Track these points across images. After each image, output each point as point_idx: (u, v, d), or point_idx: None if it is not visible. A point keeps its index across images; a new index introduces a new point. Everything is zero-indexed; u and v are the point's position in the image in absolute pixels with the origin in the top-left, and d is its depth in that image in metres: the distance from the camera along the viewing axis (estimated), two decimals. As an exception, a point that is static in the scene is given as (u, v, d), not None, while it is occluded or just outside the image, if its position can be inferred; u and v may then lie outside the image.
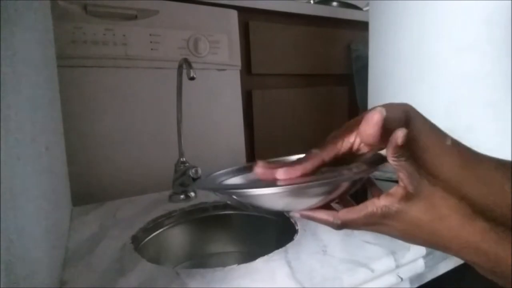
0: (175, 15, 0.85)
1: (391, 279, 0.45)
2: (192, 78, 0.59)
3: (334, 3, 1.27)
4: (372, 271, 0.42)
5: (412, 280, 0.48)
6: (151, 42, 0.82)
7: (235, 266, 0.43)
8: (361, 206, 0.31)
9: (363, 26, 1.09)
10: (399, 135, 0.29)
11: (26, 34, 0.36)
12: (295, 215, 0.34)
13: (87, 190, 0.76)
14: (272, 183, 0.31)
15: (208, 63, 0.90)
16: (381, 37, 1.01)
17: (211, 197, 0.70)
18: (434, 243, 0.30)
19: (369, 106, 1.08)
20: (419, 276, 0.49)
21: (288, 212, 0.35)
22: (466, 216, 0.29)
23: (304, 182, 0.30)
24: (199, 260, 0.67)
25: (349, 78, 1.27)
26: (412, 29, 0.91)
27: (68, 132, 0.66)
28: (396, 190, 0.30)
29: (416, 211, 0.29)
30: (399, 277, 0.45)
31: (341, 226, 0.32)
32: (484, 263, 0.29)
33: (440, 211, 0.29)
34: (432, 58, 0.87)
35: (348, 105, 1.28)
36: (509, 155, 0.73)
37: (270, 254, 0.46)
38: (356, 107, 1.27)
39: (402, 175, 0.30)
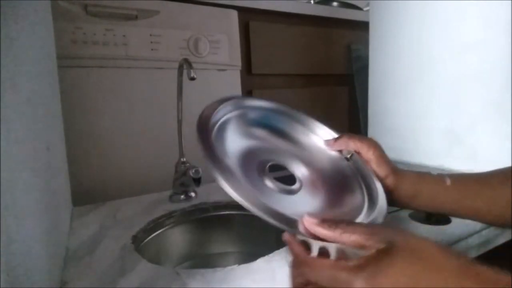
0: (175, 15, 0.85)
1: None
2: (192, 78, 0.59)
3: (334, 3, 1.27)
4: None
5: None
6: (151, 42, 0.82)
7: (235, 266, 0.43)
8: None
9: (364, 26, 1.09)
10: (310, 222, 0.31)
11: (26, 34, 0.36)
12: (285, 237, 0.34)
13: (87, 190, 0.76)
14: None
15: (208, 63, 0.90)
16: (381, 37, 1.01)
17: (212, 197, 0.70)
18: None
19: (369, 106, 1.08)
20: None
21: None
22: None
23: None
24: (200, 260, 0.67)
25: (349, 78, 1.27)
26: (413, 30, 0.91)
27: (68, 132, 0.65)
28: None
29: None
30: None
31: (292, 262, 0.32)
32: None
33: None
34: (432, 58, 0.87)
35: (348, 105, 1.28)
36: (509, 155, 0.73)
37: (271, 254, 0.46)
38: (356, 107, 1.27)
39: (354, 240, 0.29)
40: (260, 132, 0.47)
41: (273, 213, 0.33)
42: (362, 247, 0.28)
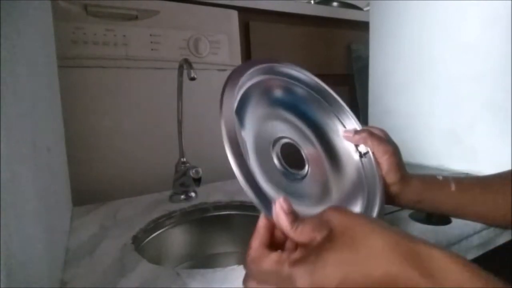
0: (175, 16, 0.85)
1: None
2: (192, 79, 0.59)
3: (335, 3, 1.27)
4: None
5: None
6: (151, 42, 0.82)
7: (235, 266, 0.43)
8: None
9: (364, 26, 1.09)
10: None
11: (26, 34, 0.36)
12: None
13: (87, 190, 0.76)
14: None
15: (208, 63, 0.90)
16: (381, 37, 1.01)
17: (212, 198, 0.70)
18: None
19: (370, 106, 1.08)
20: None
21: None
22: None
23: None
24: (200, 260, 0.67)
25: (349, 78, 1.27)
26: (413, 30, 0.91)
27: (68, 132, 0.65)
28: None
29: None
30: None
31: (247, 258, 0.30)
32: None
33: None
34: (432, 59, 0.87)
35: (348, 105, 1.28)
36: (509, 155, 0.73)
37: (271, 255, 0.46)
38: (356, 107, 1.27)
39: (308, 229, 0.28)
40: (283, 109, 0.45)
41: (256, 188, 0.31)
42: (312, 240, 0.27)
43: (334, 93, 0.49)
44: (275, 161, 0.40)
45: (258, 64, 0.43)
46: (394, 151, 0.43)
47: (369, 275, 0.24)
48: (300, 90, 0.47)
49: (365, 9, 1.28)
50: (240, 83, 0.40)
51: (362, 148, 0.46)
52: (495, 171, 0.44)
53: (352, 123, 0.48)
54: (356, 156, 0.46)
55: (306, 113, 0.47)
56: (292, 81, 0.47)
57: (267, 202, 0.31)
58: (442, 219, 0.54)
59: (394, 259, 0.24)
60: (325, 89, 0.48)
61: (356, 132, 0.46)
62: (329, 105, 0.48)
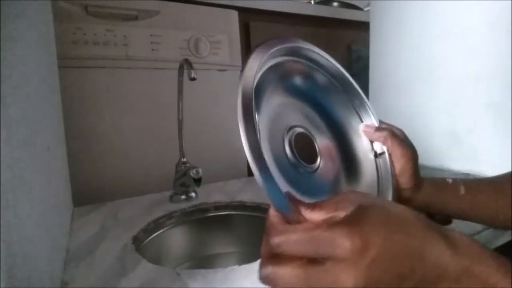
0: (175, 16, 0.85)
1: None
2: (193, 79, 0.59)
3: (335, 4, 1.27)
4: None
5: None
6: (151, 42, 0.82)
7: (236, 266, 0.43)
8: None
9: (364, 26, 1.09)
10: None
11: (27, 35, 0.36)
12: None
13: (88, 190, 0.76)
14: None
15: (208, 63, 0.90)
16: (381, 38, 1.01)
17: (212, 198, 0.70)
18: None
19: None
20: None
21: None
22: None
23: None
24: (200, 260, 0.67)
25: (349, 78, 1.26)
26: (413, 30, 0.91)
27: (69, 132, 0.65)
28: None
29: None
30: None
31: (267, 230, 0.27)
32: None
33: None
34: (432, 59, 0.87)
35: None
36: (509, 155, 0.73)
37: (271, 255, 0.46)
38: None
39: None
40: (300, 97, 0.43)
41: (267, 174, 0.29)
42: (332, 218, 0.26)
43: (357, 85, 0.45)
44: (287, 149, 0.38)
45: (283, 43, 0.40)
46: (413, 155, 0.41)
47: (407, 239, 0.24)
48: (321, 78, 0.44)
49: (365, 9, 1.28)
50: (261, 62, 0.37)
51: (378, 148, 0.43)
52: (495, 172, 0.44)
53: (372, 120, 0.45)
54: (371, 155, 0.43)
55: (324, 103, 0.44)
56: (314, 66, 0.43)
57: (277, 188, 0.29)
58: (442, 219, 0.54)
59: (423, 227, 0.24)
60: (348, 80, 0.45)
61: (377, 128, 0.43)
62: (348, 97, 0.45)
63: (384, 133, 0.42)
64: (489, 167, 0.78)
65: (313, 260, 0.24)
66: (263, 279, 0.25)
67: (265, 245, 0.26)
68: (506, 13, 0.71)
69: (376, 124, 0.44)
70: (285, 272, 0.24)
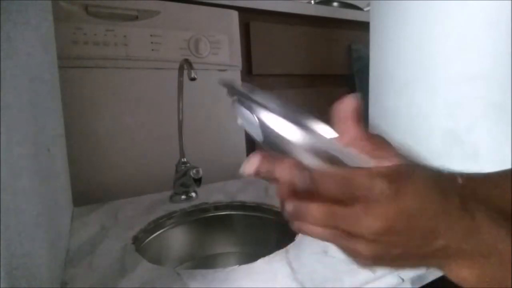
0: (176, 16, 0.85)
1: (392, 280, 0.45)
2: (193, 79, 0.59)
3: (335, 4, 1.27)
4: (373, 272, 0.42)
5: (413, 281, 0.48)
6: (152, 42, 0.82)
7: (236, 267, 0.43)
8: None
9: (364, 26, 1.09)
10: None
11: (27, 35, 0.36)
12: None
13: (88, 190, 0.76)
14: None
15: (209, 63, 0.90)
16: (382, 38, 1.01)
17: (212, 198, 0.70)
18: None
19: (370, 106, 1.08)
20: (420, 277, 0.49)
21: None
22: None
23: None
24: (200, 260, 0.67)
25: (350, 78, 1.26)
26: (413, 30, 0.91)
27: (69, 132, 0.66)
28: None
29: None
30: (400, 278, 0.45)
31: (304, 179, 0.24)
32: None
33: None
34: (433, 59, 0.87)
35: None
36: (509, 155, 0.73)
37: (271, 255, 0.46)
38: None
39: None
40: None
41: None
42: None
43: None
44: None
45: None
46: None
47: (442, 202, 0.25)
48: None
49: (365, 9, 1.28)
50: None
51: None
52: (496, 171, 0.44)
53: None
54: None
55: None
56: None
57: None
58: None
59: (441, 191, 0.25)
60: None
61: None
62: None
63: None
64: (490, 167, 0.77)
65: (340, 201, 0.23)
66: (291, 213, 0.25)
67: (292, 181, 0.24)
68: (506, 13, 0.71)
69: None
70: (314, 207, 0.24)
